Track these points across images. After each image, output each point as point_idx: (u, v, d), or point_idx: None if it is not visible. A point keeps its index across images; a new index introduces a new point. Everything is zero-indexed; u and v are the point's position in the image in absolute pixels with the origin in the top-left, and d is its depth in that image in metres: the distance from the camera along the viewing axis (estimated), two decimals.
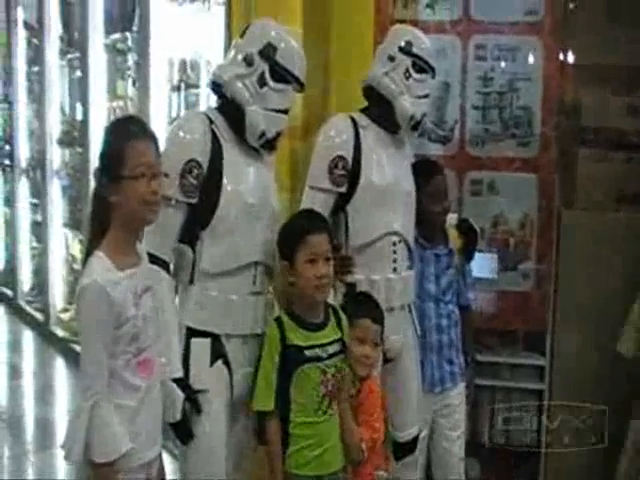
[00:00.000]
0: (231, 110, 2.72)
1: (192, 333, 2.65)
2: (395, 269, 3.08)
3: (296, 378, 2.59)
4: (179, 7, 5.30)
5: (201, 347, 2.63)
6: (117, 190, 2.22)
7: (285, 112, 2.74)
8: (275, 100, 2.70)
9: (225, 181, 2.65)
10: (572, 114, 3.96)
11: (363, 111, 3.19)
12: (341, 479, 2.69)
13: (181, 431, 2.56)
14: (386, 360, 3.12)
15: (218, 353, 2.65)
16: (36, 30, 7.55)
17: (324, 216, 2.83)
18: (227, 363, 2.66)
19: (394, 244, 3.07)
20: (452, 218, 3.50)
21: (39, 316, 7.49)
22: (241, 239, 2.66)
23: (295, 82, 2.74)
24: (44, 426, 5.35)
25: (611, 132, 3.89)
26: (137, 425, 2.24)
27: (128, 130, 2.29)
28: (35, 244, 8.00)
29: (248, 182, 2.71)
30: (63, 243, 7.30)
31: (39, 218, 7.66)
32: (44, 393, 6.03)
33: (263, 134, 2.68)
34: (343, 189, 3.03)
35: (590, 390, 3.67)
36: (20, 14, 8.00)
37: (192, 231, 2.65)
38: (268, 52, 2.70)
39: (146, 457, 2.29)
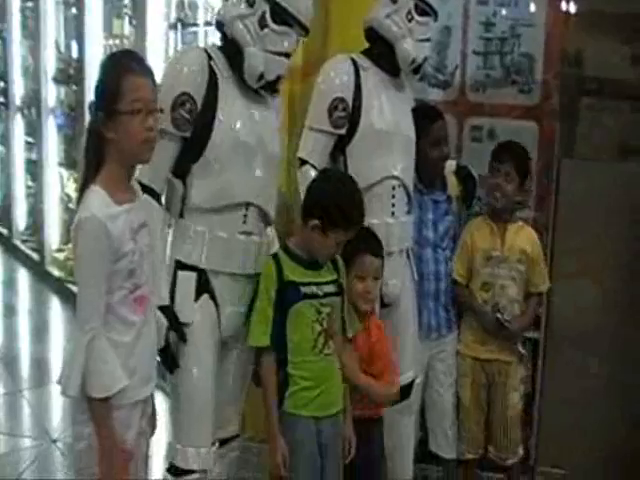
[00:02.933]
0: (232, 50, 2.69)
1: (180, 266, 2.67)
2: (393, 213, 3.06)
3: (291, 315, 2.59)
4: None
5: (187, 280, 2.65)
6: (113, 125, 2.18)
7: (287, 55, 2.70)
8: (275, 42, 2.66)
9: (218, 116, 2.63)
10: (575, 63, 3.91)
11: (364, 53, 3.15)
12: (341, 420, 2.70)
13: (166, 359, 2.61)
14: (383, 305, 3.12)
15: (204, 288, 2.66)
16: None
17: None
18: (214, 299, 2.68)
19: (393, 188, 3.05)
20: (451, 165, 3.48)
21: (34, 255, 7.50)
22: (231, 177, 2.65)
23: (297, 25, 2.69)
24: (39, 364, 5.39)
25: (615, 82, 3.84)
26: (132, 362, 2.24)
27: (126, 64, 2.24)
28: (30, 183, 7.96)
29: (244, 121, 2.68)
30: (58, 182, 7.27)
31: (34, 157, 7.62)
32: (39, 332, 6.07)
33: (262, 76, 2.65)
34: (343, 131, 3.01)
35: (586, 341, 3.69)
36: None
37: (184, 164, 2.65)
38: None
39: (141, 394, 2.30)
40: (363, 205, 2.64)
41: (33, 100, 7.51)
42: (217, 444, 2.76)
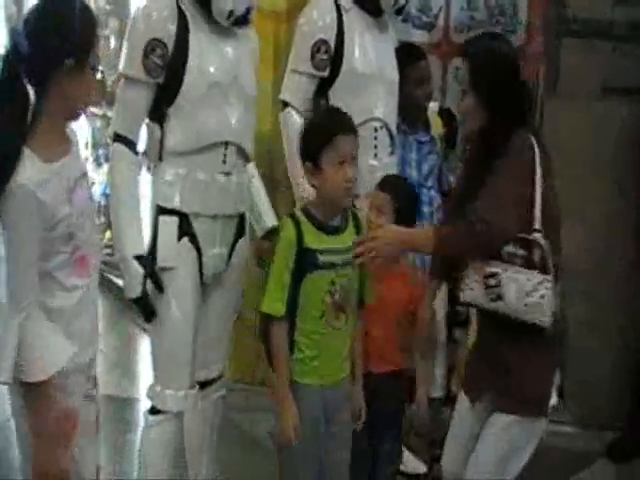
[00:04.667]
0: None
1: (161, 211, 2.68)
2: (376, 155, 3.08)
3: (304, 283, 2.43)
4: None
5: (168, 225, 2.66)
6: (77, 71, 1.99)
7: None
8: None
9: (190, 59, 2.61)
10: (559, 3, 3.90)
11: None
12: (347, 386, 2.58)
13: (142, 308, 2.63)
14: None
15: (185, 231, 2.67)
16: None
17: (350, 115, 2.53)
18: (195, 242, 2.69)
19: (375, 130, 3.06)
20: (434, 106, 3.50)
21: None
22: (207, 118, 2.63)
23: None
24: None
25: (597, 22, 3.84)
26: (74, 327, 2.09)
27: (68, 5, 2.02)
28: None
29: (216, 60, 2.66)
30: None
31: None
32: None
33: (231, 13, 2.62)
34: (325, 73, 3.02)
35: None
36: None
37: (160, 109, 2.64)
38: None
39: (84, 358, 2.15)
40: (347, 114, 2.48)
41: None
42: (197, 387, 2.78)
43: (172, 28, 2.59)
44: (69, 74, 1.97)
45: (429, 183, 3.43)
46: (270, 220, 2.94)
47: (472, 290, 2.45)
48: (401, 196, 2.77)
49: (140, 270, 2.57)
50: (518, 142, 2.39)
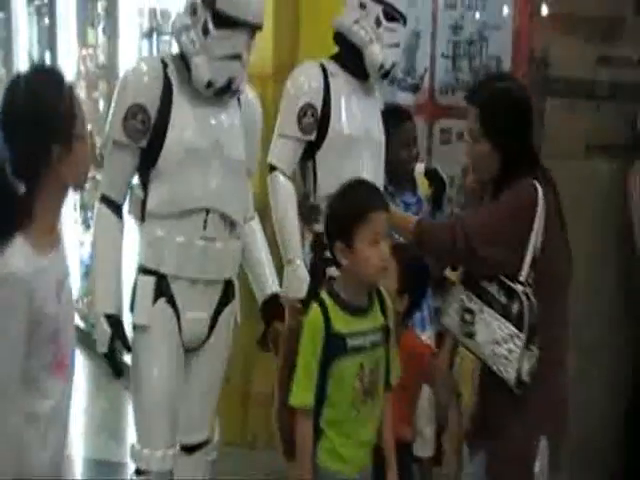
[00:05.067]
0: (184, 59, 2.69)
1: (140, 270, 2.71)
2: None
3: (332, 369, 2.31)
4: None
5: (145, 284, 2.68)
6: (66, 153, 1.90)
7: (237, 57, 2.64)
8: (221, 47, 2.62)
9: (171, 124, 2.64)
10: (541, 64, 3.96)
11: (334, 58, 3.19)
12: (370, 470, 2.46)
13: (110, 364, 2.64)
14: None
15: (163, 292, 2.68)
16: None
17: (379, 187, 2.51)
18: (173, 304, 2.69)
19: None
20: (420, 167, 3.53)
21: None
22: (187, 184, 2.66)
23: (243, 26, 2.63)
24: None
25: (581, 82, 3.89)
26: (48, 440, 1.96)
27: (56, 85, 1.95)
28: None
29: (198, 126, 2.68)
30: None
31: None
32: None
33: (210, 84, 2.63)
34: (312, 137, 3.05)
35: None
36: None
37: (144, 171, 2.68)
38: (209, 0, 2.61)
39: (53, 465, 2.02)
40: (378, 189, 2.43)
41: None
42: (177, 447, 2.76)
43: (156, 93, 2.63)
44: (59, 158, 1.89)
45: None
46: (269, 286, 2.94)
47: (450, 317, 2.43)
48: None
49: (107, 329, 2.59)
50: (521, 186, 2.33)
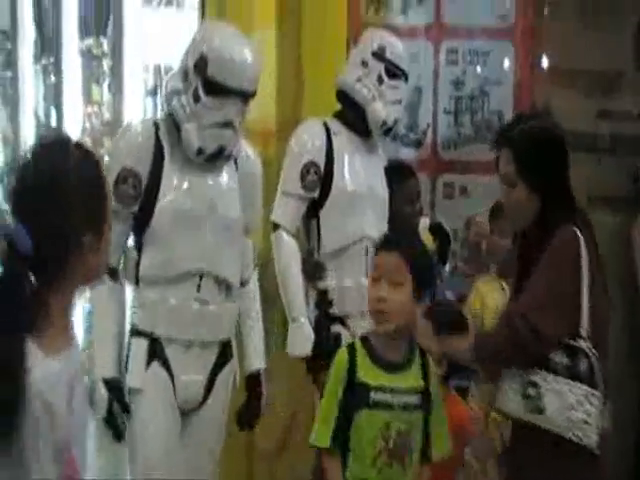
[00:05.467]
0: (175, 123, 2.64)
1: (134, 332, 2.68)
2: (367, 274, 3.08)
3: (356, 420, 2.23)
4: (153, 11, 5.30)
5: (138, 347, 2.65)
6: (97, 241, 1.57)
7: (228, 124, 2.58)
8: (211, 115, 2.56)
9: (162, 188, 2.62)
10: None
11: (336, 115, 3.21)
12: None
13: (110, 428, 2.60)
14: None
15: (156, 355, 2.65)
16: (9, 34, 7.51)
17: (402, 239, 2.47)
18: (167, 366, 2.65)
19: (366, 249, 3.08)
20: (425, 221, 3.53)
21: None
22: (178, 247, 2.63)
23: (235, 93, 2.56)
24: None
25: (582, 135, 3.92)
26: None
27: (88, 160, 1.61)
28: None
29: (189, 189, 2.65)
30: None
31: None
32: None
33: (200, 151, 2.58)
34: (315, 195, 3.06)
35: None
36: None
37: (137, 235, 2.67)
38: (200, 66, 2.56)
39: None
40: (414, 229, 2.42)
41: (12, 169, 7.48)
42: None
43: (147, 157, 2.62)
44: (90, 247, 1.56)
45: (425, 301, 3.41)
46: (252, 363, 2.85)
47: (508, 399, 2.19)
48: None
49: (105, 394, 2.57)
50: (562, 236, 2.18)
